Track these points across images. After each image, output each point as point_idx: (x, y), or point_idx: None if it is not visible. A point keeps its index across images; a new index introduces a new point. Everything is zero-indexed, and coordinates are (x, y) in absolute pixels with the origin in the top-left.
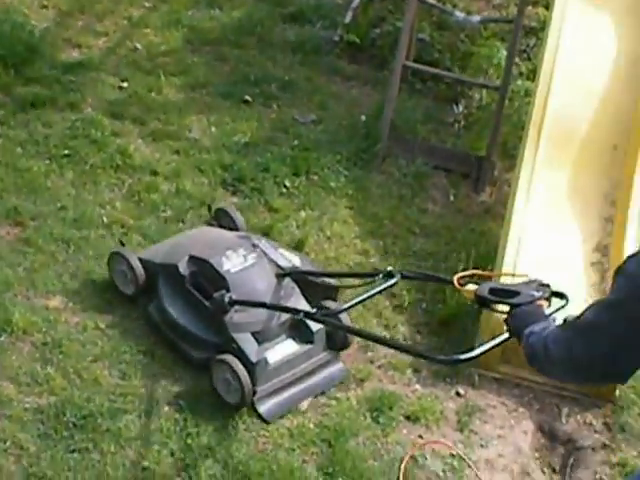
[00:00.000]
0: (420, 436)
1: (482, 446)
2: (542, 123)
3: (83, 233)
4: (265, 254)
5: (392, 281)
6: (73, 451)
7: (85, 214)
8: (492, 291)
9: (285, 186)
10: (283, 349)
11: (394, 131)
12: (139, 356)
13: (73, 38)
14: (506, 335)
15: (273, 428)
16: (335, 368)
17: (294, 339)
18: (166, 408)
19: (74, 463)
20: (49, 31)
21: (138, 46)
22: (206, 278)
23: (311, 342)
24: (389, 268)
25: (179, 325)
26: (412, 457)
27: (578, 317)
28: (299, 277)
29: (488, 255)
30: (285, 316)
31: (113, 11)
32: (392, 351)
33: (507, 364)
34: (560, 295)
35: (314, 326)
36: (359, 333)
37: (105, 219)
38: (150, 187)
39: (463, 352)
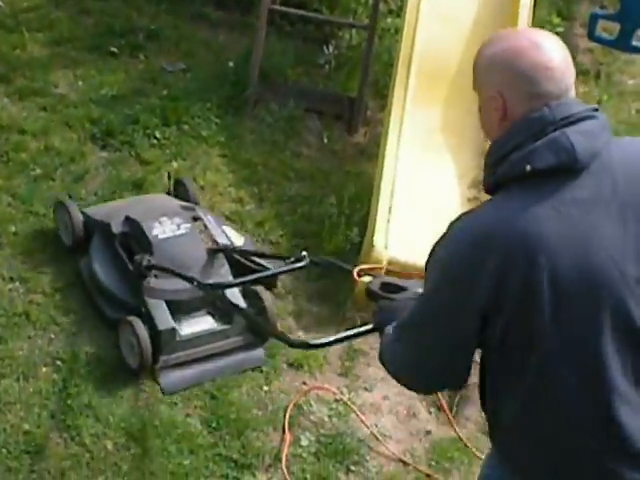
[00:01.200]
0: (304, 383)
1: (367, 389)
2: (410, 60)
3: None
4: (205, 227)
5: (300, 264)
6: None
7: None
8: (383, 285)
9: (155, 137)
10: (198, 323)
11: (264, 76)
12: (14, 319)
13: None
14: (369, 327)
15: (152, 383)
16: (252, 353)
17: (213, 316)
18: (44, 369)
19: None
20: None
21: (0, 3)
22: (135, 240)
23: (230, 322)
24: (303, 253)
25: (100, 282)
26: (297, 404)
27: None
28: (233, 257)
29: (362, 197)
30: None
31: None
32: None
33: None
34: None
35: (237, 303)
36: (238, 310)
37: None
38: (18, 146)
39: (320, 338)
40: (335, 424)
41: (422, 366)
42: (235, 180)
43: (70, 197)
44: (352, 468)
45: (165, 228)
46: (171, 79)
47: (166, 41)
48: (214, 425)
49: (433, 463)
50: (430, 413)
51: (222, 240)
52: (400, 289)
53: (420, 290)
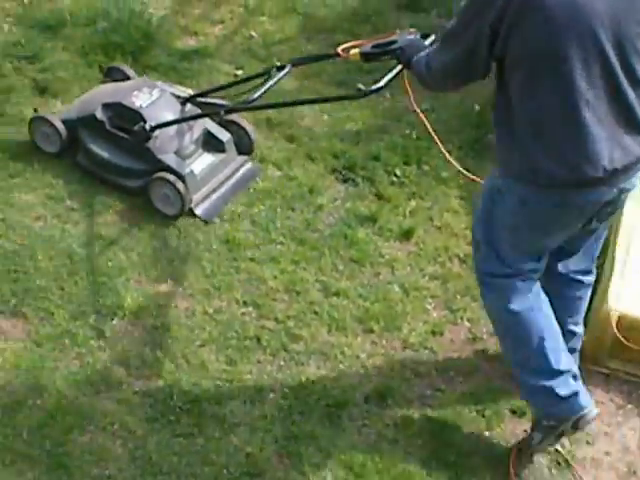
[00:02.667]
0: (525, 431)
1: (588, 443)
2: None
3: (184, 217)
4: (164, 90)
5: (285, 70)
6: (179, 435)
7: None
8: (374, 47)
9: (396, 175)
10: (203, 161)
11: None
12: (245, 342)
13: (190, 26)
14: (400, 67)
15: (377, 419)
16: (248, 167)
17: (209, 151)
18: (271, 395)
19: (179, 448)
20: (166, 19)
21: (253, 34)
22: (122, 118)
23: (223, 151)
24: (278, 63)
25: (110, 163)
26: (518, 453)
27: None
28: (196, 103)
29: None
30: (197, 133)
31: None
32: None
33: (616, 359)
34: (427, 35)
35: (223, 137)
36: (282, 104)
37: None
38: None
39: (375, 83)
40: (554, 475)
41: (455, 65)
42: (472, 223)
43: (36, 110)
44: None
45: (142, 98)
46: (415, 118)
47: (413, 81)
48: (433, 466)
49: None
50: None
51: (182, 94)
52: (391, 43)
53: (410, 37)
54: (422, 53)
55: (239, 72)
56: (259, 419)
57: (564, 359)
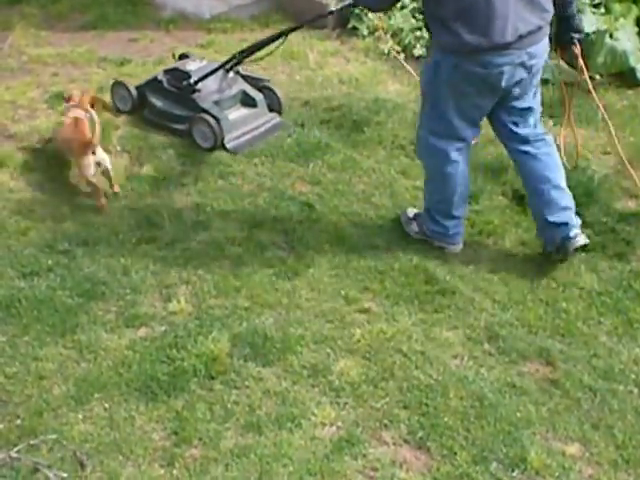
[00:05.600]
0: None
1: None
2: None
3: (612, 385)
4: (212, 62)
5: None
6: None
7: (615, 367)
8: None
9: None
10: (238, 112)
11: None
12: None
13: (631, 188)
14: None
15: None
16: (276, 121)
17: (244, 106)
18: None
19: None
20: (608, 178)
21: None
22: (177, 79)
23: (255, 106)
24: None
25: (165, 112)
26: None
27: None
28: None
29: None
30: (235, 90)
31: None
32: None
33: None
34: None
35: (257, 96)
36: (268, 40)
37: None
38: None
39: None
40: None
41: None
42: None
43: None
44: None
45: (194, 65)
46: None
47: None
48: None
49: None
50: None
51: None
52: None
53: None
54: None
55: None
56: None
57: (462, 210)
